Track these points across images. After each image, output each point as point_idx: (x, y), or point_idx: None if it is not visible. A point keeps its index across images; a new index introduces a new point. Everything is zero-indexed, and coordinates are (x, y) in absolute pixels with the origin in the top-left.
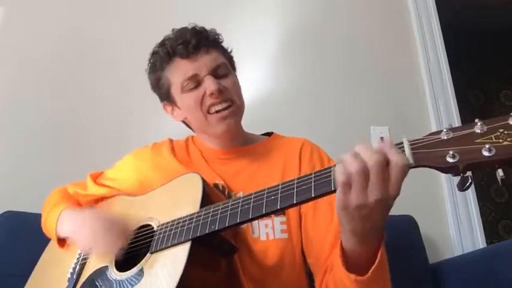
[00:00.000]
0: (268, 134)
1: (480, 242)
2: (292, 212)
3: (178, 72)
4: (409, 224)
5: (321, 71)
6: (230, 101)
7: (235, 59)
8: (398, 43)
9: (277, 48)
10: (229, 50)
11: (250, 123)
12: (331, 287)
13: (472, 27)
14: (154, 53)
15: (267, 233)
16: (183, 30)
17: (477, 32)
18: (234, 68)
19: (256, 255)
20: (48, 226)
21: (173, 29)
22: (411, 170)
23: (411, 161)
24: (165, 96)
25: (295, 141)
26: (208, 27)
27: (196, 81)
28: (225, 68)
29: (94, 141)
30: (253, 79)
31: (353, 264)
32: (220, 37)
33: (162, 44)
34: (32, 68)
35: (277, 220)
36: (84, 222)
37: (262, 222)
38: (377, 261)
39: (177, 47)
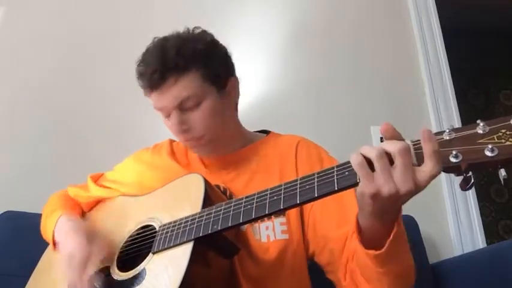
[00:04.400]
0: (266, 132)
1: (480, 242)
2: (293, 212)
3: (153, 101)
4: (409, 224)
5: (321, 71)
6: (198, 137)
7: (235, 58)
8: (398, 43)
9: (277, 48)
10: (221, 53)
11: (250, 122)
12: (357, 272)
13: (472, 27)
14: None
15: (267, 235)
16: (151, 54)
17: (477, 32)
18: (218, 80)
19: (257, 257)
20: (47, 231)
21: (154, 38)
22: None
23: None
24: None
25: (290, 139)
26: (208, 25)
27: (166, 112)
28: (194, 99)
29: (94, 141)
30: (253, 78)
31: (372, 242)
32: (204, 47)
33: (137, 63)
34: (32, 68)
35: (278, 221)
36: (69, 233)
37: (263, 224)
38: (393, 232)
39: (144, 79)
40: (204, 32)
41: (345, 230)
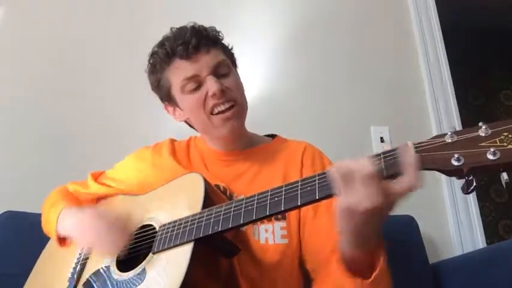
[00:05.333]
0: (272, 136)
1: (480, 242)
2: (293, 216)
3: (179, 73)
4: (409, 224)
5: (321, 71)
6: (233, 101)
7: (236, 57)
8: (398, 43)
9: (277, 48)
10: (230, 47)
11: (250, 122)
12: None
13: (472, 27)
14: (153, 54)
15: (266, 238)
16: (182, 29)
17: (477, 32)
18: (235, 66)
19: (256, 257)
20: (49, 224)
21: (172, 28)
22: None
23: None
24: (166, 97)
25: (297, 145)
26: (209, 24)
27: (197, 82)
28: (226, 67)
29: (94, 141)
30: (253, 78)
31: (353, 269)
32: (220, 34)
33: (161, 44)
34: (31, 68)
35: (278, 225)
36: (86, 221)
37: (263, 226)
38: (378, 267)
39: (176, 48)
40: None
41: (333, 241)
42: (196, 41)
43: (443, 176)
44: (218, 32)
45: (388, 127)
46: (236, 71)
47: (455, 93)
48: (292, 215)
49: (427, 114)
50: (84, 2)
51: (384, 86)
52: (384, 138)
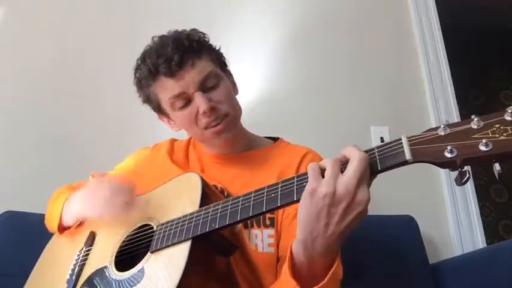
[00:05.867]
0: (275, 139)
1: (480, 242)
2: (281, 224)
3: (165, 92)
4: (409, 224)
5: (321, 71)
6: (224, 115)
7: (236, 58)
8: (398, 43)
9: (277, 48)
10: (217, 48)
11: (250, 122)
12: None
13: (472, 27)
14: (137, 68)
15: (256, 244)
16: (163, 43)
17: (477, 32)
18: (224, 67)
19: (250, 261)
20: (52, 216)
21: (153, 38)
22: (411, 170)
23: (409, 156)
24: (158, 109)
25: (298, 150)
26: (208, 25)
27: (185, 99)
28: (215, 78)
29: (94, 141)
30: (253, 78)
31: (296, 273)
32: (205, 37)
33: (143, 59)
34: (31, 68)
35: (266, 232)
36: (91, 190)
37: (253, 231)
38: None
39: (159, 66)
40: (194, 29)
41: None
42: (179, 57)
43: (443, 176)
44: (202, 36)
45: (388, 127)
46: (226, 74)
47: (455, 93)
48: (280, 223)
49: (427, 114)
50: (84, 2)
51: (384, 86)
52: (384, 138)
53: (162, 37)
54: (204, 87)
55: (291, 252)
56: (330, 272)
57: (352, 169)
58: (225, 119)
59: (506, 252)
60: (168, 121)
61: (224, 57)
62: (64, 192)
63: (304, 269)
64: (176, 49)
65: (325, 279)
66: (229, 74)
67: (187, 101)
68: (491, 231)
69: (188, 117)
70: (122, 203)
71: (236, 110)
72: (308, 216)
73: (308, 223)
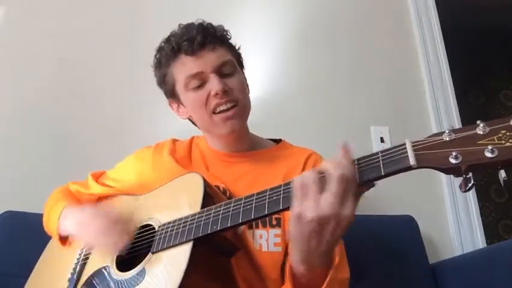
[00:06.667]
0: (277, 141)
1: (480, 242)
2: (288, 224)
3: (183, 69)
4: (409, 224)
5: (321, 71)
6: (235, 101)
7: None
8: (398, 43)
9: (277, 48)
10: (237, 47)
11: (250, 123)
12: None
13: (472, 27)
14: (160, 49)
15: (260, 244)
16: (190, 26)
17: (477, 32)
18: (241, 66)
19: (253, 261)
20: (50, 224)
21: (180, 25)
22: (412, 170)
23: (413, 162)
24: (170, 93)
25: (302, 152)
26: (211, 22)
27: (200, 80)
28: (231, 66)
29: (94, 141)
30: (253, 78)
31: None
32: (228, 33)
33: (167, 39)
34: (31, 68)
35: (272, 232)
36: (87, 220)
37: (258, 231)
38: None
39: (182, 44)
40: (220, 25)
41: None
42: (202, 38)
43: (443, 176)
44: (226, 31)
45: (388, 127)
46: (242, 71)
47: (455, 93)
48: (287, 222)
49: (427, 114)
50: (84, 2)
51: (384, 86)
52: (384, 138)
53: (189, 23)
54: (221, 72)
55: (291, 267)
56: (329, 274)
57: (333, 188)
58: (235, 106)
59: (506, 252)
60: (177, 108)
61: (242, 58)
62: (59, 201)
63: (305, 278)
64: (201, 31)
65: (326, 281)
66: (244, 73)
67: (202, 82)
68: (491, 231)
69: (199, 98)
70: (113, 244)
71: (247, 101)
72: (300, 237)
73: (300, 243)
